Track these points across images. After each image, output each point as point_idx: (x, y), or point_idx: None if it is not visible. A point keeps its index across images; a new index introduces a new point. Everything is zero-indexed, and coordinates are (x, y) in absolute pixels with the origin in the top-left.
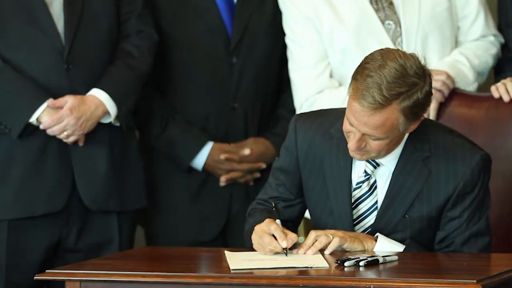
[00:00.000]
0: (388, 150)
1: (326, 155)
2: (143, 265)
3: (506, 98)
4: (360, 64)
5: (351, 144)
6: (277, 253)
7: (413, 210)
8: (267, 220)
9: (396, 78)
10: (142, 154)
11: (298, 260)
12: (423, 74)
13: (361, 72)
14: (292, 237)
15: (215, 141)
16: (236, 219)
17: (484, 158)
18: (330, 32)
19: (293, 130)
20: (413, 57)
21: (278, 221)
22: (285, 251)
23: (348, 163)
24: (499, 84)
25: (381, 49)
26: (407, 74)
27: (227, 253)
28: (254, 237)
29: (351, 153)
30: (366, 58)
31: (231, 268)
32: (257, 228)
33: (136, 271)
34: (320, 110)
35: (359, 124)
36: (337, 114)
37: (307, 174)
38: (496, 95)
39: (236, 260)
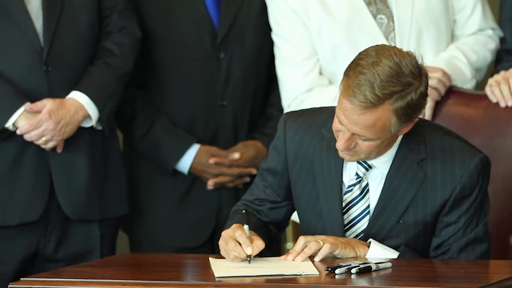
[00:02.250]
0: (378, 152)
1: (316, 156)
2: (124, 272)
3: (502, 104)
4: (353, 60)
5: (340, 144)
6: (243, 259)
7: (407, 215)
8: (234, 225)
9: (390, 77)
10: (125, 155)
11: (287, 267)
12: (419, 74)
13: (354, 68)
14: (258, 244)
15: (203, 141)
16: (225, 225)
17: (483, 160)
18: (319, 27)
19: (282, 129)
20: (409, 55)
21: (246, 226)
22: (248, 259)
23: (339, 164)
24: (492, 84)
25: (377, 45)
26: (402, 73)
27: (212, 260)
28: (221, 243)
29: (340, 153)
30: (359, 54)
31: (215, 275)
32: (224, 233)
33: (116, 279)
34: (312, 108)
35: (349, 123)
36: (329, 113)
37: (296, 176)
38: (493, 99)
39: (221, 267)
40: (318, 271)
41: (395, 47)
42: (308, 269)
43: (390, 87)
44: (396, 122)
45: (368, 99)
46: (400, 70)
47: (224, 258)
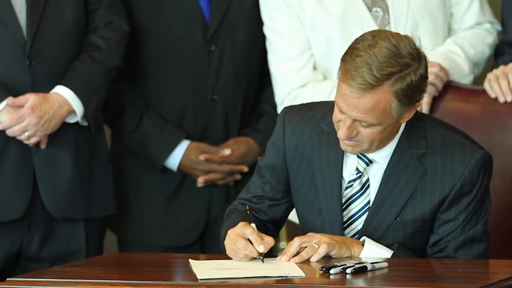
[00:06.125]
0: (381, 142)
1: (315, 151)
2: (112, 272)
3: (501, 99)
4: (350, 45)
5: (341, 133)
6: (251, 260)
7: (406, 212)
8: (241, 223)
9: (387, 58)
10: (113, 152)
11: (271, 269)
12: (418, 56)
13: (350, 52)
14: (269, 241)
15: (193, 137)
16: (215, 223)
17: (484, 157)
18: (313, 20)
19: (281, 124)
20: (407, 38)
21: (253, 224)
22: (261, 257)
23: (339, 159)
24: (491, 78)
25: (373, 30)
26: (399, 54)
27: (192, 262)
28: (227, 242)
29: (342, 145)
30: (356, 39)
31: (198, 277)
32: (230, 232)
33: (103, 279)
34: (311, 102)
35: (349, 109)
36: (329, 107)
37: (294, 171)
38: (491, 94)
39: (203, 269)
40: (307, 272)
41: (392, 31)
42: (294, 271)
43: (388, 67)
44: (397, 105)
45: (367, 81)
46: (398, 51)
47: (203, 260)
